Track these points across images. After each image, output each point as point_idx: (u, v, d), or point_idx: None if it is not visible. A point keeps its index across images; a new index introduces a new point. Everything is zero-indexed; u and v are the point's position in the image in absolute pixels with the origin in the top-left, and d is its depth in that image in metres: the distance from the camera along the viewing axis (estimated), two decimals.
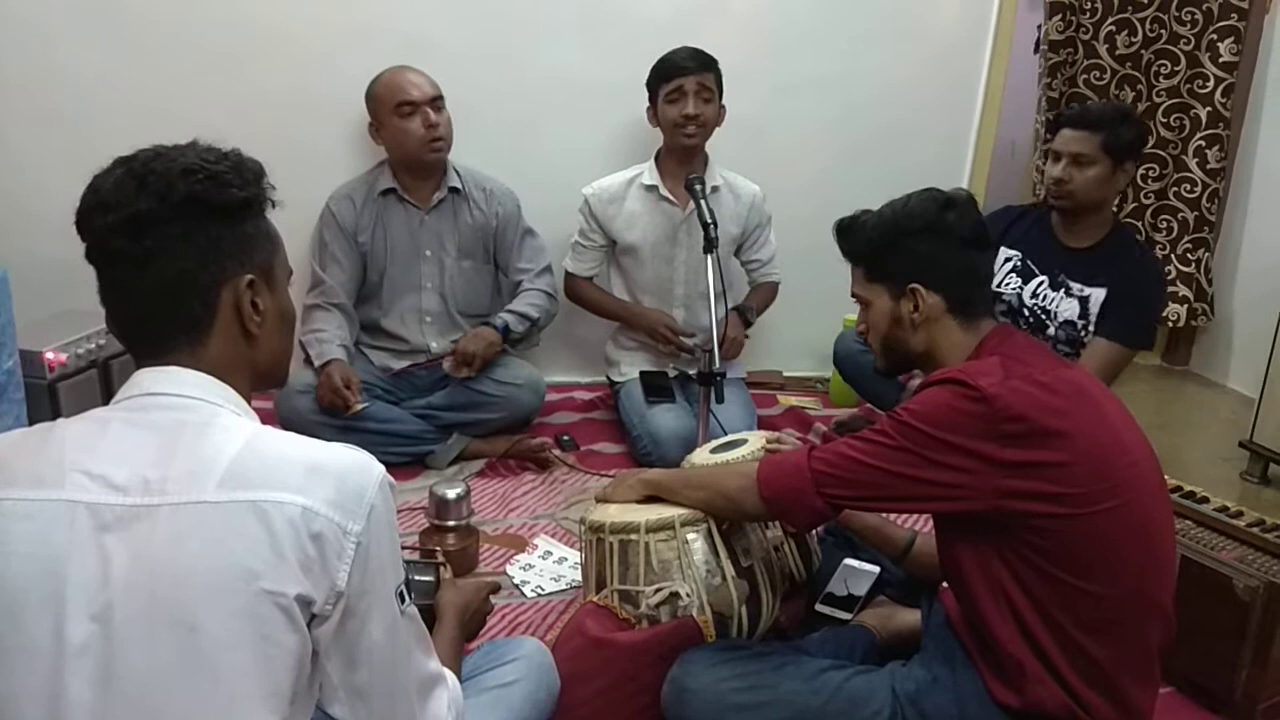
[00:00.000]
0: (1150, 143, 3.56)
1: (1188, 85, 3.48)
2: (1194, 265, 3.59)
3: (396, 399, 2.76)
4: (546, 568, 2.20)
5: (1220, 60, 3.41)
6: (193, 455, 0.93)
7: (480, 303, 2.90)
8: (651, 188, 2.86)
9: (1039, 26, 3.61)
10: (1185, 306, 3.61)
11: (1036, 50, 3.67)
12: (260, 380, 1.07)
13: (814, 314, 3.32)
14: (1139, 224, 3.67)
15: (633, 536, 1.64)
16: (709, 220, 2.37)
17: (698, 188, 2.51)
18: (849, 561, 1.94)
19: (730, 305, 2.45)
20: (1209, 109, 3.46)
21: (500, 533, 2.36)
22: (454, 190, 2.79)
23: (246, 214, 1.03)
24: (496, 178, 2.88)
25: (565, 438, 2.91)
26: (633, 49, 2.85)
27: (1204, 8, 3.42)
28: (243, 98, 2.87)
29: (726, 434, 2.15)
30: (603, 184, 2.90)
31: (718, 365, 2.24)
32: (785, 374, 3.51)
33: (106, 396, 2.59)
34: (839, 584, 1.91)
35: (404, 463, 2.65)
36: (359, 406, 2.54)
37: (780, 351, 3.48)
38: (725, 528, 1.65)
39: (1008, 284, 2.58)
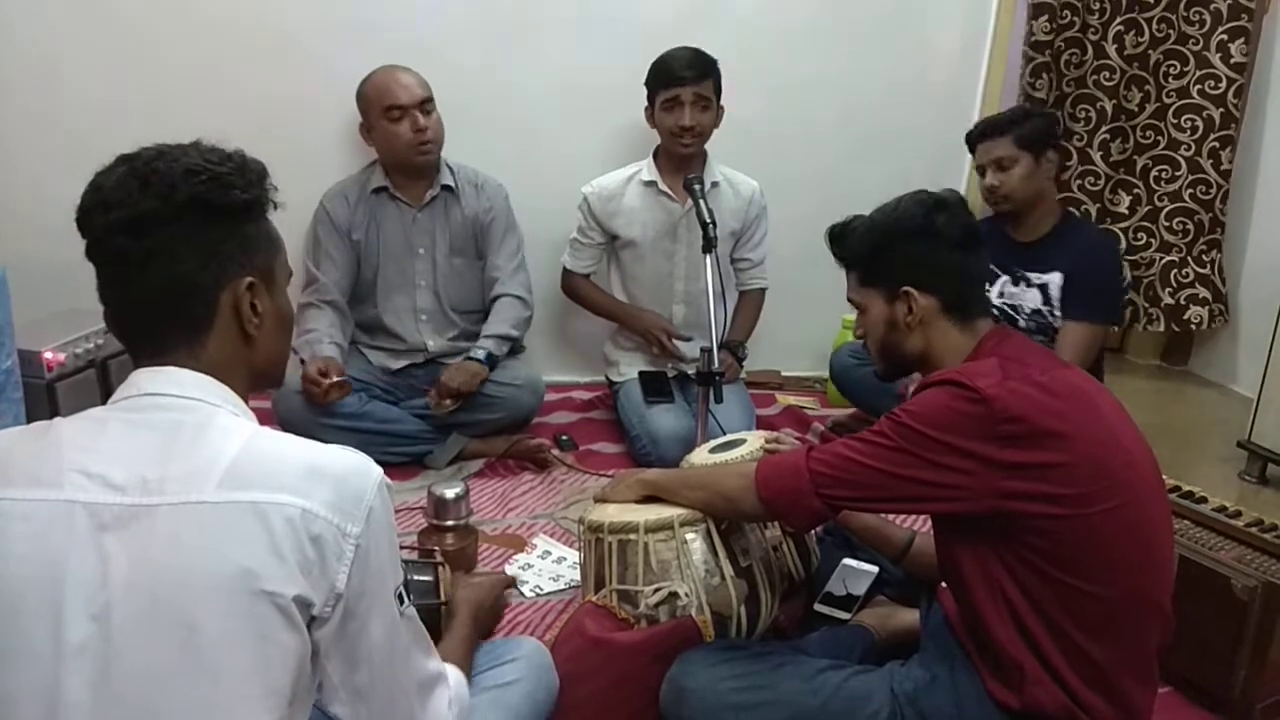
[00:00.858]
0: (1162, 144, 3.55)
1: (1198, 86, 3.46)
2: (1209, 267, 3.57)
3: (395, 399, 2.76)
4: (545, 567, 2.20)
5: (1232, 61, 3.39)
6: (192, 455, 0.93)
7: (472, 299, 2.89)
8: (650, 184, 2.86)
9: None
10: (1206, 309, 3.58)
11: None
12: (257, 381, 1.08)
13: (812, 314, 3.32)
14: (1153, 227, 3.64)
15: (631, 536, 1.64)
16: (708, 220, 2.37)
17: (696, 187, 2.51)
18: (848, 561, 1.94)
19: (723, 335, 2.41)
20: (1221, 110, 3.44)
21: (499, 532, 2.36)
22: (446, 188, 2.79)
23: (248, 216, 1.04)
24: (488, 173, 2.88)
25: (564, 437, 2.91)
26: (632, 49, 2.85)
27: (1212, 8, 3.40)
28: (238, 98, 2.87)
29: (725, 434, 2.15)
30: (601, 182, 2.90)
31: (716, 365, 2.24)
32: (784, 374, 3.51)
33: (105, 396, 2.57)
34: (838, 584, 1.91)
35: (403, 462, 2.66)
36: (334, 381, 2.49)
37: (778, 351, 3.48)
38: (724, 528, 1.65)
39: None
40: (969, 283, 1.52)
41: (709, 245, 2.36)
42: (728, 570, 1.63)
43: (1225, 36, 3.39)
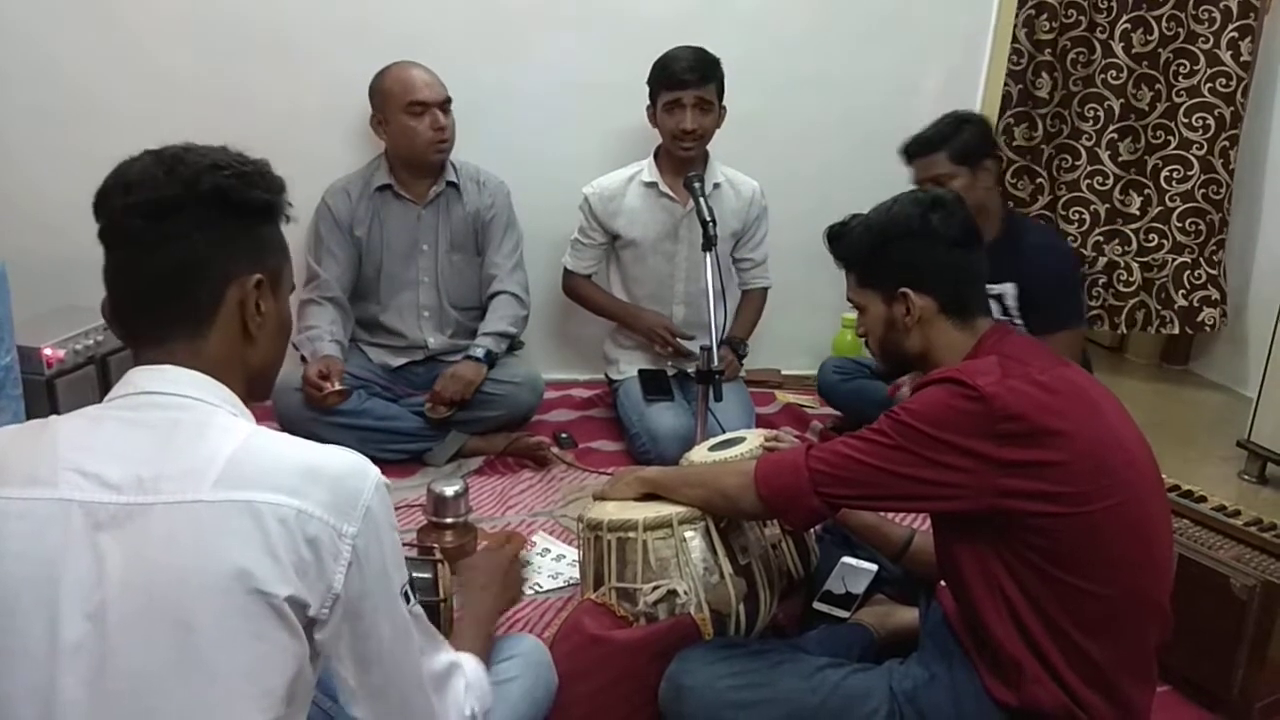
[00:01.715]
0: (1173, 144, 3.52)
1: (1209, 85, 3.43)
2: (1218, 267, 3.56)
3: (394, 396, 2.76)
4: (544, 565, 2.20)
5: (1241, 59, 3.38)
6: (188, 454, 0.93)
7: (471, 295, 2.89)
8: (651, 184, 2.86)
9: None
10: (1218, 309, 3.56)
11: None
12: (251, 385, 1.07)
13: (812, 313, 3.32)
14: (1165, 228, 3.57)
15: (631, 534, 1.64)
16: (708, 218, 2.37)
17: (697, 186, 2.51)
18: (847, 559, 1.94)
19: (723, 334, 2.41)
20: (1231, 109, 3.42)
21: (498, 530, 2.36)
22: (450, 184, 2.80)
23: (265, 217, 1.06)
24: (490, 170, 2.88)
25: (563, 435, 2.91)
26: (633, 48, 2.84)
27: (1221, 5, 3.37)
28: (240, 95, 2.87)
29: (724, 432, 2.15)
30: (602, 182, 2.90)
31: (716, 363, 2.24)
32: (783, 372, 3.51)
33: (104, 392, 2.55)
34: (837, 582, 1.91)
35: (402, 460, 2.66)
36: (335, 389, 2.51)
37: (778, 350, 3.48)
38: (723, 526, 1.65)
39: None
40: (967, 282, 1.51)
41: (709, 243, 2.35)
42: (726, 568, 1.63)
43: (1235, 34, 3.37)
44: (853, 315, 1.64)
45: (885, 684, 1.47)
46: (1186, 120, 3.49)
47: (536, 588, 2.11)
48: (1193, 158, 3.50)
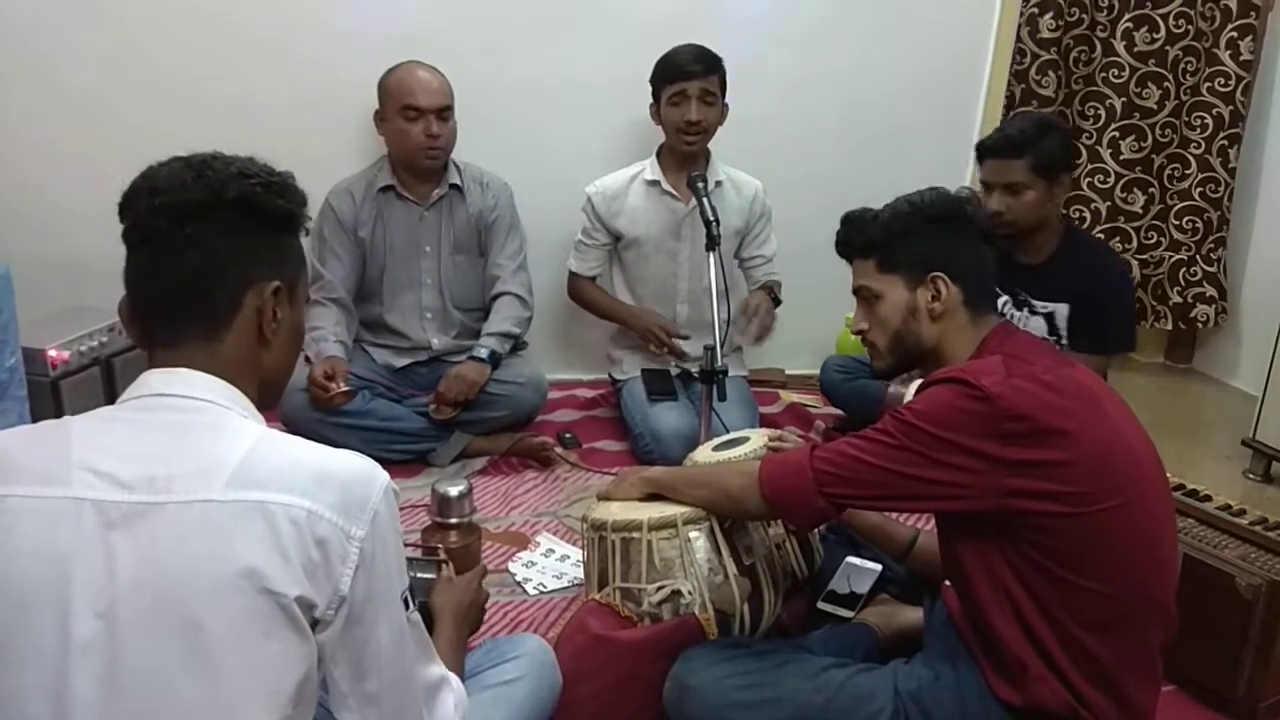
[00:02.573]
0: (1176, 142, 3.53)
1: (1208, 84, 3.44)
2: (1216, 265, 3.57)
3: (398, 397, 2.76)
4: (549, 565, 2.20)
5: (1241, 58, 3.38)
6: (201, 455, 0.94)
7: (474, 296, 2.89)
8: (654, 183, 2.86)
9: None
10: (1213, 307, 3.57)
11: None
12: (262, 391, 1.08)
13: (816, 311, 3.31)
14: (1164, 225, 3.62)
15: (635, 534, 1.65)
16: (711, 218, 2.37)
17: (700, 185, 2.51)
18: (851, 559, 1.94)
19: (726, 333, 2.38)
20: (1230, 108, 3.43)
21: (502, 530, 2.36)
22: (454, 186, 2.80)
23: (288, 227, 1.08)
24: (494, 171, 2.88)
25: (567, 435, 2.91)
26: (636, 47, 2.84)
27: (1222, 4, 3.38)
28: (241, 97, 2.87)
29: (728, 431, 2.15)
30: (605, 182, 2.90)
31: (720, 363, 2.24)
32: (787, 372, 3.51)
33: (109, 394, 2.61)
34: (841, 582, 1.91)
35: (406, 460, 2.66)
36: (341, 389, 2.51)
37: (782, 349, 3.47)
38: (727, 526, 1.65)
39: None
40: (988, 277, 1.52)
41: (712, 242, 2.35)
42: (731, 568, 1.63)
43: (1235, 33, 3.38)
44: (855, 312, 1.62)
45: (890, 684, 1.46)
46: (1188, 119, 3.51)
47: (541, 588, 2.11)
48: (1191, 157, 3.52)
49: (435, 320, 2.85)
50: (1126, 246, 3.65)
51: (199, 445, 0.95)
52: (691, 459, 1.98)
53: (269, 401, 1.10)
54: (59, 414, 1.02)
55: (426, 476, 2.59)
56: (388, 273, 2.81)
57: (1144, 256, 3.66)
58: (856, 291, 1.59)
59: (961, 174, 3.37)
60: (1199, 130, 3.49)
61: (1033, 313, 2.52)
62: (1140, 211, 3.63)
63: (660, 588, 1.61)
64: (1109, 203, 3.62)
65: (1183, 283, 3.61)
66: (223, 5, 2.86)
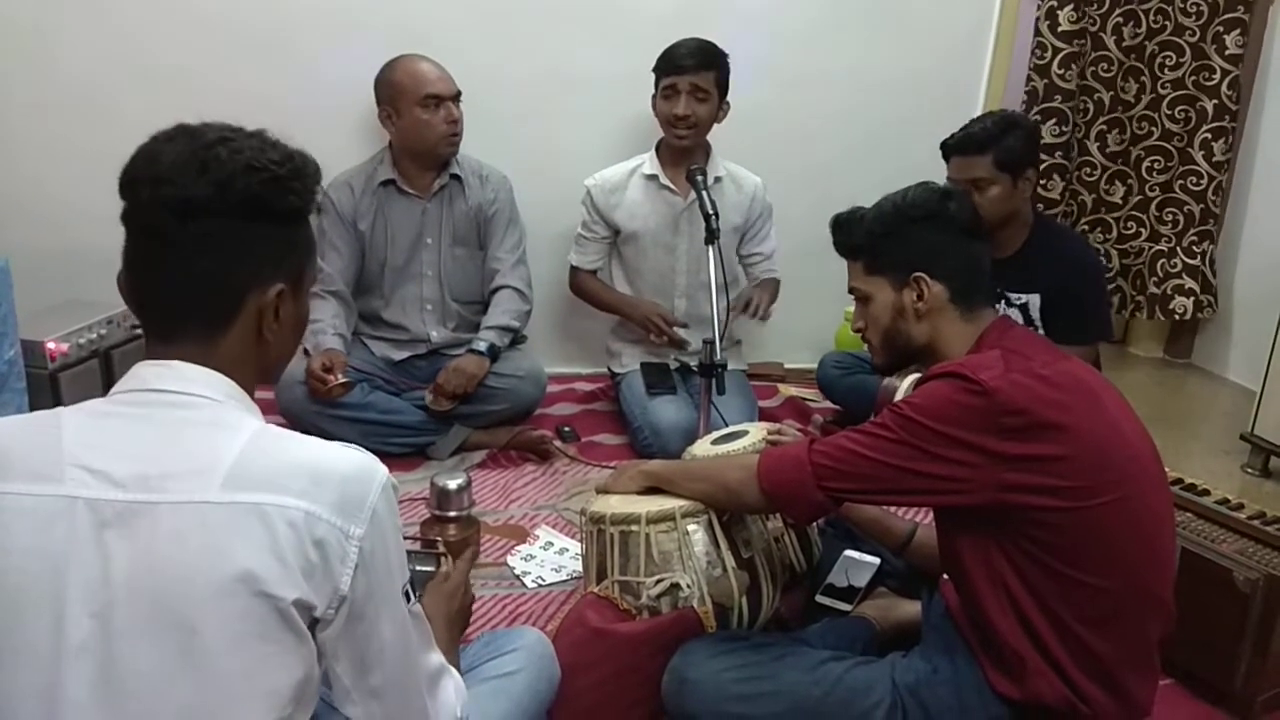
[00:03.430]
0: (1155, 135, 3.56)
1: (1193, 78, 3.46)
2: (1199, 258, 3.58)
3: (397, 390, 2.76)
4: (547, 558, 2.21)
5: (1226, 53, 3.39)
6: (196, 453, 0.92)
7: (473, 289, 2.89)
8: (652, 177, 2.86)
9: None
10: (1192, 299, 3.60)
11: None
12: (260, 376, 1.06)
13: (814, 306, 3.32)
14: (1144, 217, 3.65)
15: (633, 528, 1.65)
16: (710, 211, 2.37)
17: (699, 179, 2.51)
18: (849, 553, 1.94)
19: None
20: (1215, 102, 3.45)
21: (501, 523, 2.36)
22: (454, 177, 2.80)
23: (296, 221, 1.03)
24: (494, 165, 2.88)
25: (566, 429, 2.91)
26: (636, 41, 2.84)
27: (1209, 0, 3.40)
28: (240, 90, 2.86)
29: (727, 425, 2.16)
30: (604, 175, 2.90)
31: (719, 357, 2.24)
32: (785, 366, 3.51)
33: (108, 386, 2.57)
34: (839, 575, 1.91)
35: (405, 453, 2.66)
36: (339, 381, 2.52)
37: (781, 343, 3.48)
38: (726, 519, 1.65)
39: None
40: (976, 272, 1.52)
41: (711, 236, 2.35)
42: (729, 562, 1.63)
43: (1221, 28, 3.40)
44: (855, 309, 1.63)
45: (888, 677, 1.47)
46: (1169, 112, 3.54)
47: (540, 581, 2.12)
48: (1173, 149, 3.56)
49: (435, 313, 2.85)
50: (1107, 236, 3.71)
51: (194, 443, 0.93)
52: (690, 452, 1.98)
53: (266, 380, 1.08)
54: (58, 406, 1.00)
55: (425, 470, 2.59)
56: (388, 265, 2.81)
57: (1124, 246, 3.71)
58: (850, 291, 1.60)
59: None
60: (1180, 123, 3.52)
61: (1008, 304, 2.55)
62: (1120, 203, 3.68)
63: (659, 581, 1.61)
64: (1094, 195, 3.69)
65: (1160, 274, 3.63)
66: (223, 0, 2.85)
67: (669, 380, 2.82)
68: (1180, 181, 3.55)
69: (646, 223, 2.87)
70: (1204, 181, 3.52)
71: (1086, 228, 3.67)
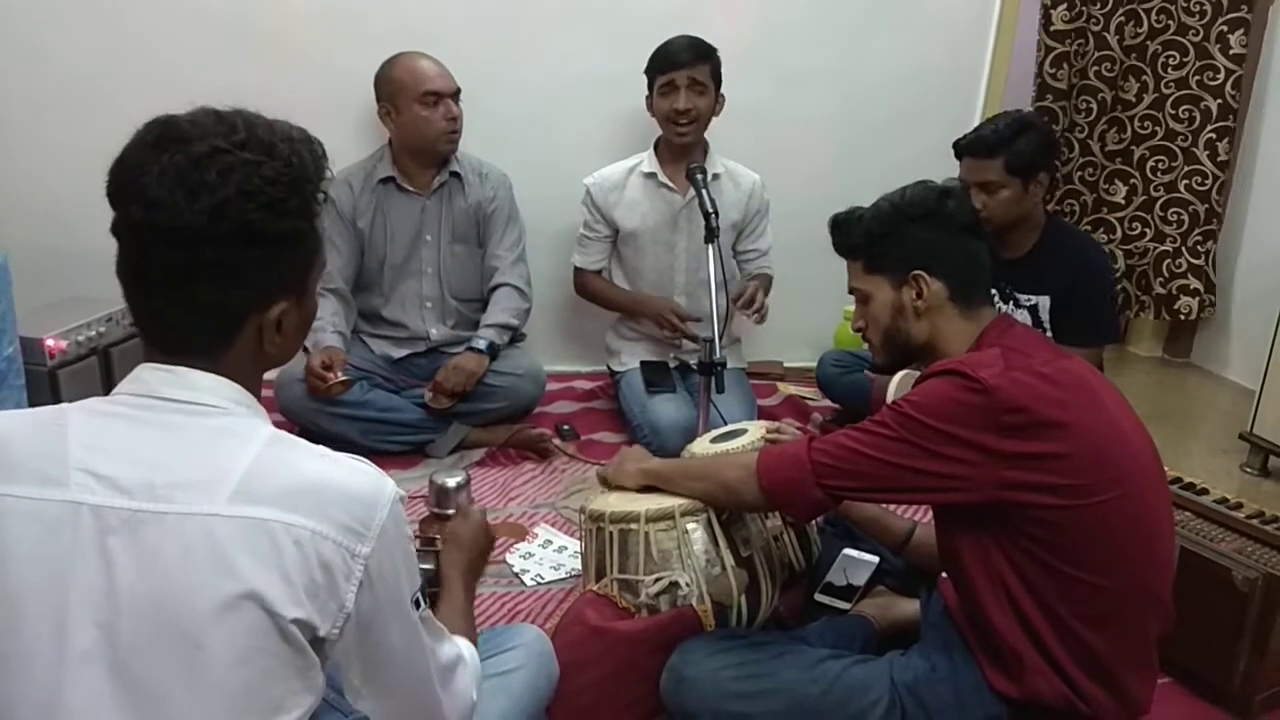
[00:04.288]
0: (1158, 135, 3.56)
1: (1197, 77, 3.46)
2: (1203, 257, 3.58)
3: (397, 387, 2.76)
4: (546, 556, 2.21)
5: (1230, 52, 3.39)
6: (204, 463, 0.91)
7: (472, 287, 2.89)
8: (650, 175, 2.85)
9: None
10: (1196, 299, 3.60)
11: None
12: (263, 374, 1.05)
13: (813, 304, 3.32)
14: (1149, 217, 3.65)
15: (632, 526, 1.64)
16: (710, 209, 2.36)
17: (699, 177, 2.51)
18: (848, 551, 1.94)
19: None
20: (1219, 101, 3.44)
21: (500, 521, 2.36)
22: (454, 174, 2.80)
23: (297, 241, 0.98)
24: (493, 163, 2.88)
25: (565, 427, 2.91)
26: (634, 39, 2.84)
27: None
28: (240, 88, 2.79)
29: (726, 424, 2.15)
30: (604, 173, 2.90)
31: (718, 355, 2.24)
32: (785, 364, 3.51)
33: (107, 383, 2.60)
34: (838, 574, 1.91)
35: (404, 451, 2.66)
36: (339, 379, 2.52)
37: (780, 342, 3.48)
38: (725, 518, 1.65)
39: None
40: (975, 270, 1.52)
41: (711, 235, 2.35)
42: (728, 560, 1.63)
43: (1225, 27, 3.40)
44: (854, 307, 1.63)
45: (886, 675, 1.47)
46: (1174, 112, 3.54)
47: (539, 579, 2.12)
48: (1177, 149, 3.56)
49: (434, 310, 2.85)
50: (1111, 237, 3.70)
51: (202, 451, 0.92)
52: (689, 451, 1.98)
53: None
54: (57, 403, 0.98)
55: (424, 467, 2.59)
56: (388, 263, 2.81)
57: (1128, 247, 3.70)
58: (850, 291, 1.60)
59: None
60: (1185, 123, 3.52)
61: (1017, 305, 2.54)
62: (1122, 203, 3.67)
63: (658, 579, 1.61)
64: (1095, 195, 3.68)
65: (1166, 274, 3.64)
66: None
67: (668, 379, 2.82)
68: (1186, 181, 3.54)
69: (645, 221, 2.87)
70: (1208, 181, 3.52)
71: (1089, 228, 3.67)
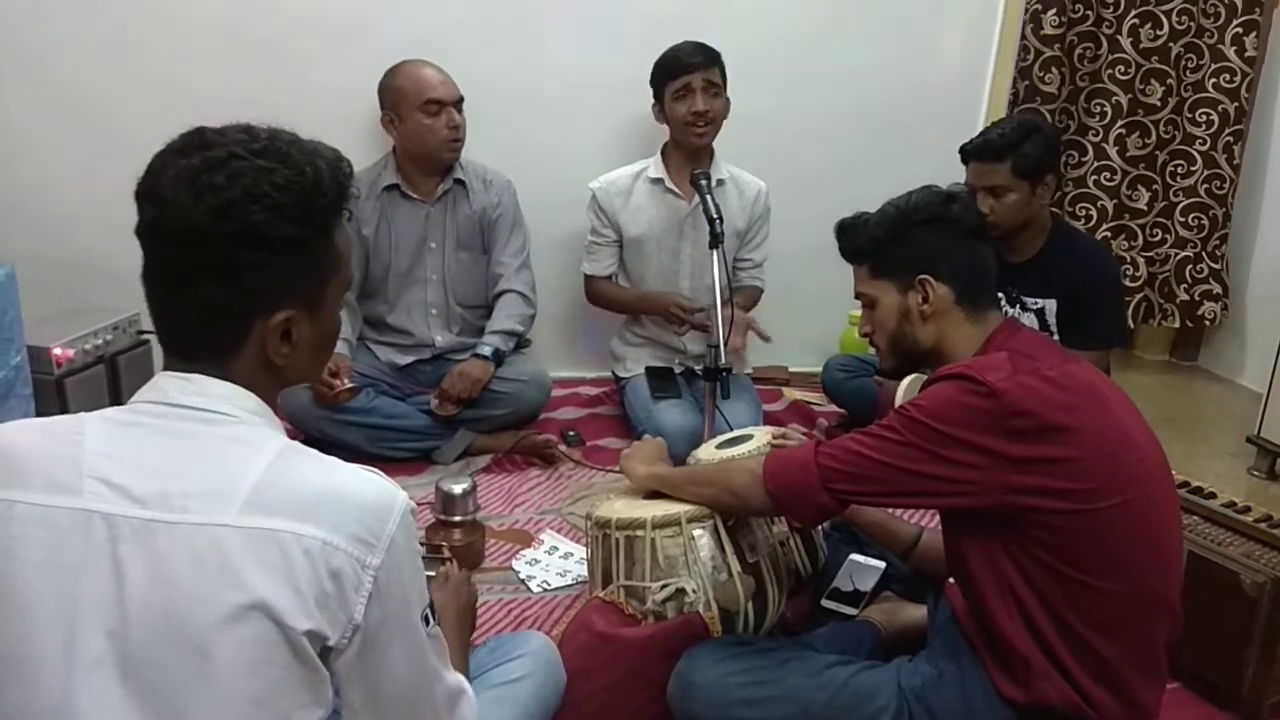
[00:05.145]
0: (1178, 139, 3.54)
1: (1214, 80, 3.44)
2: (1220, 261, 3.57)
3: (403, 394, 2.76)
4: (552, 563, 2.21)
5: (1245, 54, 3.38)
6: (216, 472, 0.91)
7: (477, 294, 2.90)
8: (657, 181, 2.86)
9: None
10: (1219, 304, 3.58)
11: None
12: (281, 388, 1.05)
13: (819, 309, 3.32)
14: (1169, 222, 3.61)
15: (639, 532, 1.64)
16: (715, 215, 2.37)
17: (704, 183, 2.51)
18: (855, 557, 1.94)
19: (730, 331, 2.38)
20: (1235, 104, 3.43)
21: (506, 528, 2.36)
22: (458, 181, 2.80)
23: (304, 249, 0.98)
24: (497, 169, 2.89)
25: (571, 433, 2.91)
26: (638, 45, 2.84)
27: (1227, 1, 3.38)
28: (243, 97, 2.82)
29: (732, 429, 2.15)
30: (609, 178, 2.90)
31: (724, 360, 2.23)
32: (790, 369, 3.51)
33: (114, 391, 2.61)
34: (845, 579, 1.91)
35: (410, 458, 2.66)
36: (345, 386, 2.52)
37: (785, 347, 3.46)
38: (731, 524, 1.65)
39: None
40: (982, 274, 1.52)
41: (716, 240, 2.35)
42: (735, 566, 1.63)
43: (1240, 29, 3.38)
44: (859, 313, 1.63)
45: (894, 681, 1.46)
46: (1191, 115, 3.51)
47: (545, 585, 2.11)
48: (1196, 153, 3.53)
49: (440, 317, 2.86)
50: (1132, 244, 3.65)
51: (215, 461, 0.92)
52: (695, 456, 1.98)
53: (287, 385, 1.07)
54: (64, 413, 0.98)
55: (430, 474, 2.60)
56: (393, 270, 2.81)
57: (1150, 254, 3.65)
58: (856, 296, 1.60)
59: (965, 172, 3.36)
60: (1203, 127, 3.49)
61: (1024, 309, 2.54)
62: (1145, 209, 3.62)
63: (664, 586, 1.61)
64: (1115, 200, 3.61)
65: (1189, 280, 3.61)
66: (223, 5, 2.86)
67: (674, 385, 2.83)
68: (1205, 185, 3.51)
69: (651, 226, 2.87)
70: (1226, 185, 3.50)
71: (1109, 234, 3.61)
